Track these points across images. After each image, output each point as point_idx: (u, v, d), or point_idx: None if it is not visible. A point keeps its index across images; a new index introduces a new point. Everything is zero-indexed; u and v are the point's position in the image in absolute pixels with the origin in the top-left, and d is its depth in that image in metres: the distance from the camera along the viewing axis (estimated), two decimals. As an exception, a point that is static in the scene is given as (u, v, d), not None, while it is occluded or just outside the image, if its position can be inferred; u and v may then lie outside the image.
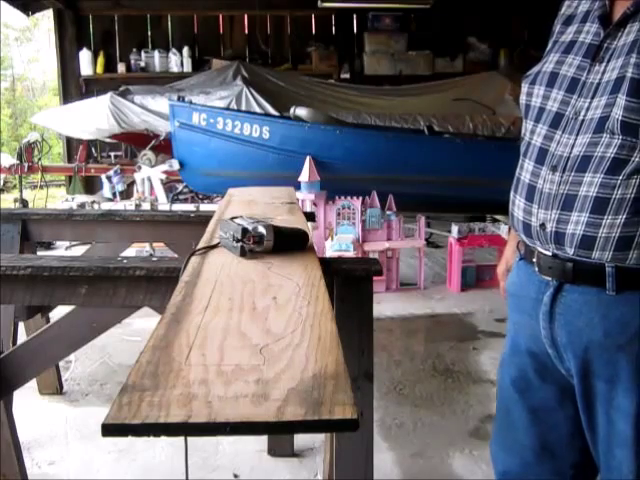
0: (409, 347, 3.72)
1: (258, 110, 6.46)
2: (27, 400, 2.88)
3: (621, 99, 1.06)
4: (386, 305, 4.34)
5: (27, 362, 1.86)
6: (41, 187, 6.86)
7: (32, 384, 2.95)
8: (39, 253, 2.86)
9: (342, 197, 4.75)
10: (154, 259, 1.79)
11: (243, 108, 6.49)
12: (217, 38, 8.45)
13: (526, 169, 1.22)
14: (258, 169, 5.48)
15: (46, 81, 15.49)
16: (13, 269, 1.63)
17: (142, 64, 8.10)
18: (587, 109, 1.12)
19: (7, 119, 13.95)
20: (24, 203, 6.44)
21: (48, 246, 6.09)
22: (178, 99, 5.84)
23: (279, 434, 2.25)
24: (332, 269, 1.56)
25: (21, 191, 6.64)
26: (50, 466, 2.52)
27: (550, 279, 1.20)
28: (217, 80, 7.15)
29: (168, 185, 6.39)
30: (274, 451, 2.55)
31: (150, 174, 6.11)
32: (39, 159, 6.55)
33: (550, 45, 1.27)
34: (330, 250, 4.48)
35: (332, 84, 7.67)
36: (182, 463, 2.48)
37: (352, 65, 8.33)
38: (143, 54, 8.11)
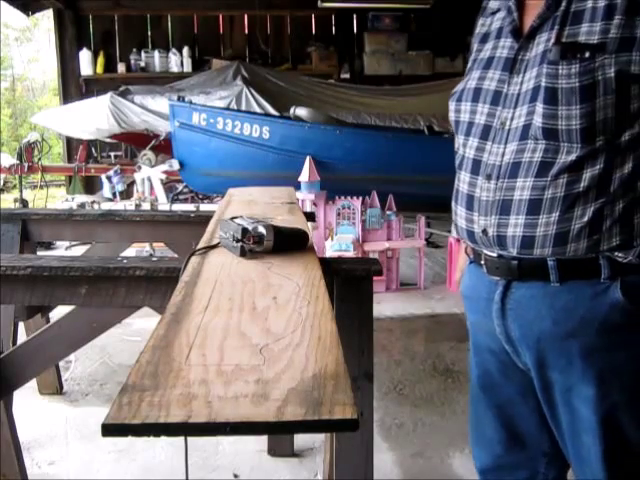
0: (409, 347, 3.72)
1: (258, 110, 6.46)
2: (27, 400, 2.88)
3: (539, 107, 1.13)
4: (386, 305, 4.34)
5: (27, 362, 1.86)
6: (41, 187, 6.87)
7: (32, 384, 2.95)
8: (39, 253, 2.86)
9: (342, 197, 4.75)
10: (154, 259, 1.79)
11: (243, 108, 6.49)
12: (217, 38, 8.45)
13: (463, 180, 1.28)
14: (258, 169, 5.48)
15: (46, 81, 15.49)
16: (13, 269, 1.63)
17: (142, 64, 8.11)
18: (511, 119, 1.19)
19: (7, 119, 13.96)
20: (24, 203, 6.44)
21: (48, 246, 6.10)
22: (178, 99, 5.85)
23: (279, 434, 2.25)
24: (332, 269, 1.56)
25: (21, 191, 6.64)
26: (50, 466, 2.52)
27: (498, 278, 1.25)
28: (217, 80, 7.15)
29: (168, 185, 6.39)
30: (274, 451, 2.55)
31: (150, 174, 6.12)
32: (39, 159, 6.55)
33: (470, 63, 1.34)
34: (330, 250, 4.48)
35: (332, 84, 7.67)
36: (182, 463, 2.48)
37: (352, 65, 8.34)
38: (143, 54, 8.12)
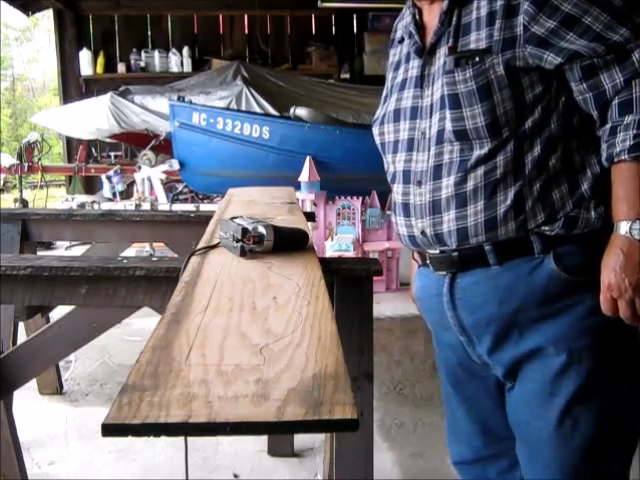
0: (409, 347, 3.72)
1: (258, 110, 6.46)
2: (27, 400, 2.88)
3: (447, 113, 1.25)
4: (386, 305, 4.34)
5: (27, 362, 1.86)
6: (41, 187, 6.87)
7: (32, 384, 2.95)
8: (39, 253, 2.86)
9: (342, 197, 4.75)
10: (154, 259, 1.79)
11: (243, 108, 6.49)
12: (217, 38, 8.45)
13: (397, 192, 1.39)
14: (258, 169, 5.48)
15: (46, 81, 15.50)
16: (13, 269, 1.63)
17: (142, 64, 8.11)
18: (429, 127, 1.30)
19: (7, 119, 13.96)
20: (24, 203, 6.44)
21: (48, 246, 6.10)
22: (178, 99, 5.84)
23: (279, 434, 2.25)
24: (332, 269, 1.56)
25: (21, 191, 6.64)
26: (50, 466, 2.52)
27: (444, 273, 1.33)
28: (217, 80, 7.15)
29: (168, 185, 6.39)
30: (274, 451, 2.55)
31: (150, 174, 6.12)
32: (39, 159, 6.55)
33: (385, 92, 1.46)
34: (330, 250, 4.48)
35: (332, 84, 7.67)
36: (182, 463, 2.48)
37: (352, 65, 8.34)
38: (143, 54, 8.12)
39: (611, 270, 1.15)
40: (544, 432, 1.28)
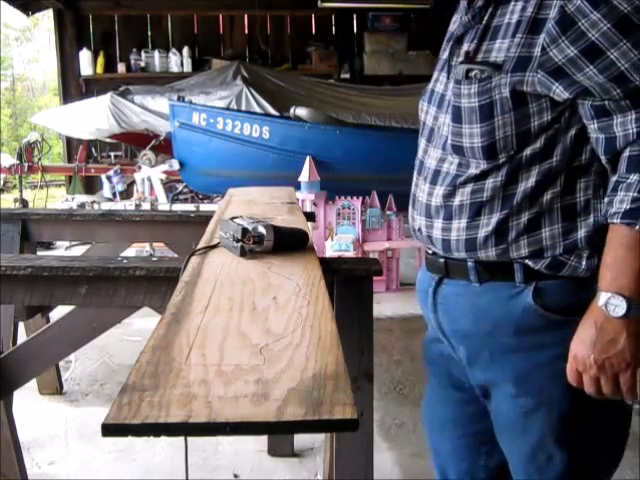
0: (409, 347, 3.72)
1: (258, 110, 6.46)
2: (27, 400, 2.88)
3: (449, 123, 1.19)
4: (386, 305, 4.34)
5: (27, 362, 1.86)
6: (41, 187, 6.87)
7: (32, 384, 2.95)
8: (39, 253, 2.86)
9: (342, 197, 4.75)
10: (154, 259, 1.79)
11: (243, 108, 6.49)
12: (217, 38, 8.45)
13: (413, 180, 1.33)
14: (258, 169, 5.48)
15: (46, 81, 15.49)
16: (13, 269, 1.63)
17: (142, 64, 8.11)
18: (443, 125, 1.22)
19: (7, 119, 13.96)
20: (24, 203, 6.44)
21: (48, 246, 6.09)
22: (178, 99, 5.84)
23: (279, 434, 2.25)
24: (332, 269, 1.56)
25: (21, 191, 6.64)
26: (50, 466, 2.52)
27: (433, 274, 1.30)
28: (217, 80, 7.15)
29: (168, 185, 6.39)
30: (274, 451, 2.55)
31: (150, 174, 6.11)
32: (39, 159, 6.55)
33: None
34: (330, 250, 4.48)
35: (332, 84, 7.67)
36: (182, 463, 2.48)
37: (352, 65, 8.33)
38: (143, 54, 8.11)
39: (580, 342, 1.07)
40: (518, 461, 1.26)
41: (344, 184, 5.10)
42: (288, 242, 1.50)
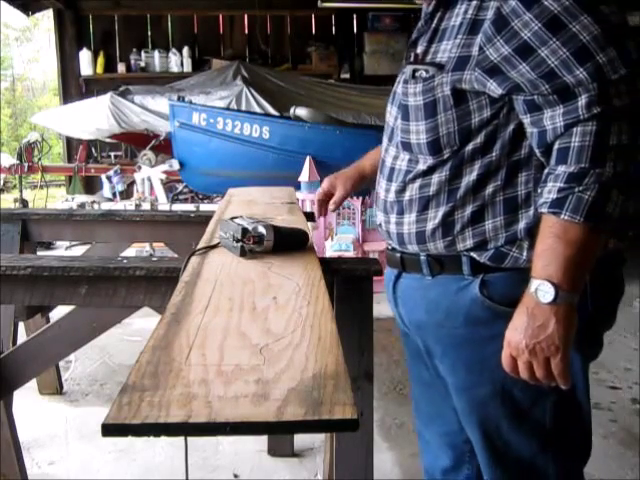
0: (409, 347, 3.72)
1: (258, 110, 6.45)
2: (27, 400, 2.88)
3: (398, 119, 1.26)
4: (386, 305, 4.32)
5: (27, 362, 1.86)
6: (41, 187, 6.87)
7: (32, 384, 2.95)
8: (39, 253, 2.86)
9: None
10: (154, 259, 1.79)
11: (243, 108, 6.48)
12: (217, 38, 8.44)
13: (377, 180, 1.41)
14: (258, 169, 5.48)
15: (46, 81, 15.50)
16: (13, 269, 1.63)
17: (142, 64, 8.10)
18: (396, 125, 1.29)
19: (7, 119, 13.96)
20: (24, 203, 6.44)
21: (48, 246, 6.10)
22: (178, 99, 5.84)
23: (279, 434, 2.25)
24: (332, 269, 1.56)
25: (21, 191, 6.64)
26: (50, 466, 2.52)
27: (393, 269, 1.38)
28: (217, 80, 7.14)
29: (168, 185, 6.39)
30: (274, 451, 2.55)
31: (150, 174, 6.11)
32: (39, 159, 6.55)
33: None
34: (330, 250, 4.48)
35: (332, 84, 7.66)
36: (182, 463, 2.48)
37: (352, 65, 8.33)
38: (143, 54, 8.11)
39: (514, 328, 1.10)
40: (478, 449, 1.30)
41: (344, 184, 5.09)
42: (288, 242, 1.50)
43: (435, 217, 1.23)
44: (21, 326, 2.81)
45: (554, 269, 1.06)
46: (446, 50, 1.17)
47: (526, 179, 1.17)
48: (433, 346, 1.31)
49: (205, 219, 2.23)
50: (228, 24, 8.44)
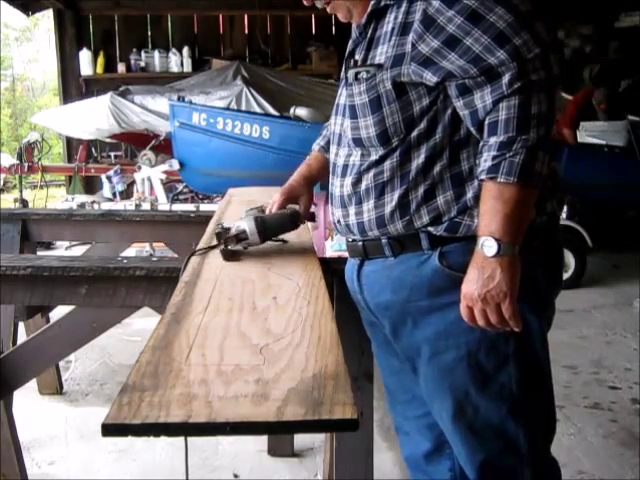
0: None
1: (258, 110, 6.45)
2: (27, 400, 2.88)
3: (347, 121, 1.39)
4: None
5: (27, 362, 1.86)
6: (41, 187, 6.86)
7: (32, 384, 2.95)
8: (39, 253, 2.86)
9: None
10: (154, 259, 1.79)
11: (243, 108, 6.48)
12: (217, 38, 8.44)
13: (329, 180, 1.51)
14: (258, 169, 5.47)
15: (46, 81, 15.50)
16: (13, 269, 1.63)
17: (142, 64, 8.09)
18: (346, 127, 1.41)
19: (7, 119, 13.96)
20: (24, 203, 6.43)
21: (48, 246, 6.09)
22: (178, 99, 5.83)
23: (279, 434, 2.26)
24: (332, 269, 1.56)
25: (21, 191, 6.64)
26: (50, 466, 2.52)
27: (355, 259, 1.45)
28: (217, 80, 7.14)
29: (168, 185, 6.38)
30: (274, 451, 2.55)
31: (150, 174, 6.11)
32: (39, 159, 6.55)
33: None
34: (330, 250, 4.47)
35: (332, 84, 7.65)
36: (182, 463, 2.48)
37: (352, 65, 8.31)
38: (143, 54, 8.10)
39: (467, 282, 1.22)
40: (449, 421, 1.35)
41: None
42: (277, 228, 1.52)
43: (392, 200, 1.33)
44: (21, 326, 2.81)
45: (495, 226, 1.19)
46: (382, 52, 1.31)
47: (467, 155, 1.30)
48: (402, 323, 1.37)
49: (205, 219, 2.23)
50: (228, 24, 8.44)
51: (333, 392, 0.76)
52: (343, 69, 1.46)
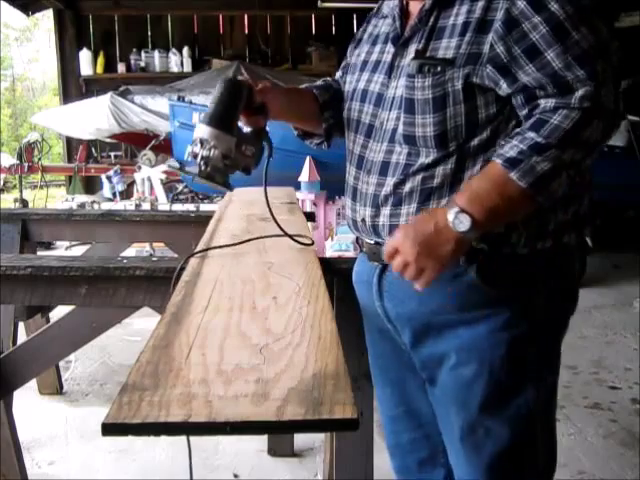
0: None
1: (258, 110, 6.45)
2: (27, 400, 2.88)
3: (401, 115, 1.27)
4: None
5: (27, 362, 1.86)
6: (41, 187, 6.87)
7: (32, 384, 2.95)
8: (39, 253, 2.86)
9: (342, 197, 4.74)
10: (154, 259, 1.79)
11: (243, 108, 6.48)
12: (217, 38, 8.44)
13: (350, 173, 1.42)
14: (258, 169, 5.47)
15: (46, 81, 15.50)
16: (13, 269, 1.63)
17: (142, 64, 8.10)
18: (387, 120, 1.31)
19: (7, 119, 13.96)
20: (24, 203, 6.44)
21: (48, 246, 6.09)
22: (178, 99, 5.84)
23: (279, 434, 2.26)
24: (332, 269, 1.56)
25: (21, 191, 6.64)
26: (50, 466, 2.52)
27: (376, 263, 1.36)
28: (217, 80, 7.12)
29: (168, 185, 6.38)
30: (274, 451, 2.55)
31: (150, 174, 6.11)
32: (39, 159, 6.55)
33: (355, 53, 1.46)
34: (330, 250, 4.47)
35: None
36: (182, 463, 2.47)
37: (352, 65, 8.32)
38: (143, 54, 8.10)
39: (414, 229, 1.17)
40: (457, 436, 1.31)
41: (344, 184, 5.09)
42: (224, 109, 1.27)
43: (437, 207, 1.24)
44: (21, 326, 2.81)
45: (479, 209, 1.14)
46: (450, 47, 1.21)
47: None
48: (425, 332, 1.30)
49: (205, 219, 2.23)
50: (228, 24, 8.44)
51: (333, 392, 0.76)
52: (382, 54, 1.35)
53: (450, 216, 1.14)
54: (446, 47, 1.22)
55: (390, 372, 1.49)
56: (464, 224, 1.13)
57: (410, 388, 1.45)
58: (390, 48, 1.33)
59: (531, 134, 1.13)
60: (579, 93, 1.11)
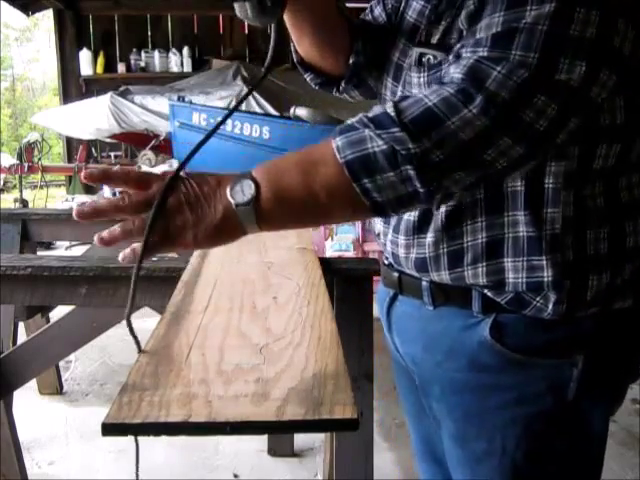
0: (409, 347, 3.71)
1: (258, 110, 6.45)
2: (27, 400, 2.88)
3: None
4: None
5: (27, 362, 1.86)
6: (41, 187, 6.87)
7: (32, 384, 2.95)
8: (39, 253, 2.86)
9: (342, 197, 4.73)
10: (154, 259, 1.79)
11: (243, 108, 6.48)
12: (217, 38, 8.44)
13: None
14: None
15: (46, 81, 15.51)
16: (13, 269, 1.63)
17: (142, 64, 8.10)
18: None
19: (7, 119, 13.97)
20: (24, 203, 6.44)
21: (48, 246, 6.09)
22: (178, 99, 5.84)
23: (279, 434, 2.26)
24: (332, 269, 1.56)
25: (21, 191, 6.64)
26: (50, 466, 2.52)
27: (388, 289, 1.18)
28: (217, 80, 7.14)
29: (168, 185, 6.38)
30: (274, 451, 2.55)
31: (150, 174, 6.10)
32: (39, 159, 6.56)
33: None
34: (330, 250, 4.47)
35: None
36: (182, 463, 2.48)
37: (352, 65, 8.31)
38: (143, 54, 8.11)
39: (195, 194, 0.85)
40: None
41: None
42: None
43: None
44: (21, 326, 2.81)
45: (273, 181, 0.84)
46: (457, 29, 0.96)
47: (551, 217, 0.94)
48: (428, 386, 1.12)
49: (205, 219, 2.22)
50: (228, 24, 8.43)
51: (333, 392, 0.76)
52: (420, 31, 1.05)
53: (235, 180, 0.85)
54: (458, 29, 0.94)
55: (411, 403, 1.31)
56: (243, 193, 0.83)
57: (428, 423, 1.25)
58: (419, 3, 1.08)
59: (405, 103, 0.85)
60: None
